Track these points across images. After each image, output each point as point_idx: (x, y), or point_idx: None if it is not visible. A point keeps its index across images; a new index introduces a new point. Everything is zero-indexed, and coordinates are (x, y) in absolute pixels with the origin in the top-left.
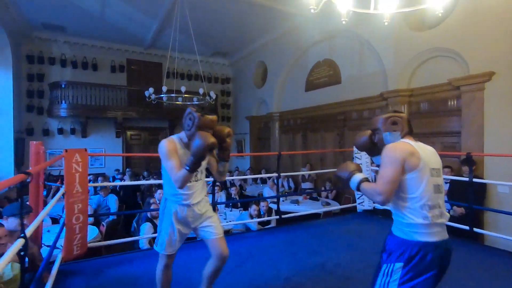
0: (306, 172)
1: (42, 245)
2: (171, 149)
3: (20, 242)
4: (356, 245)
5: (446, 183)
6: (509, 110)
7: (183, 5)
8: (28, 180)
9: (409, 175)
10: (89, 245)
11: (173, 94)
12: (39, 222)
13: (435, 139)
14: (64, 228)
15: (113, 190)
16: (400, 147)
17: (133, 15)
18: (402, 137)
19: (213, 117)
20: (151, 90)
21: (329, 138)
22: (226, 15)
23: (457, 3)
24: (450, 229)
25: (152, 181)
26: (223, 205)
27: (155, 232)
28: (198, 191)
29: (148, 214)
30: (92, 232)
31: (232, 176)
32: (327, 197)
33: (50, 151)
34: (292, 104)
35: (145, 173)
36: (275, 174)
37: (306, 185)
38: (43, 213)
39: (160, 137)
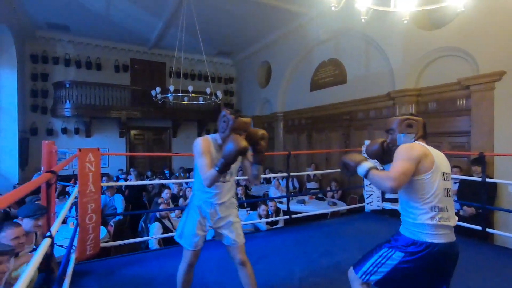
0: (314, 172)
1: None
2: (204, 147)
3: (47, 242)
4: (368, 245)
5: (455, 183)
6: None
7: (190, 5)
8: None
9: (422, 177)
10: (101, 245)
11: (179, 93)
12: (59, 223)
13: (443, 138)
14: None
15: (119, 189)
16: (416, 147)
17: (138, 14)
18: (416, 140)
19: (247, 119)
20: (158, 89)
21: (335, 138)
22: (230, 14)
23: (467, 2)
24: (461, 229)
25: (161, 181)
26: None
27: (164, 232)
28: (224, 192)
29: (157, 214)
30: (101, 232)
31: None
32: (332, 197)
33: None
34: (297, 104)
35: (149, 173)
36: (280, 174)
37: (311, 185)
38: (62, 213)
39: (164, 137)
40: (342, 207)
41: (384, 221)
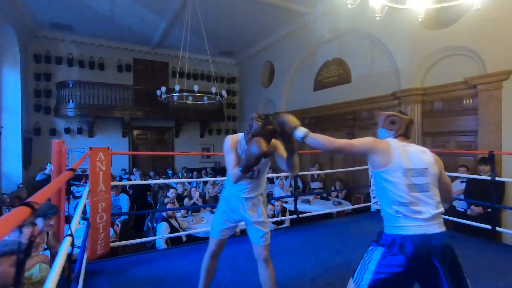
0: (320, 172)
1: None
2: (231, 145)
3: (69, 240)
4: None
5: (462, 182)
6: None
7: (195, 4)
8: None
9: (379, 172)
10: (111, 244)
11: (184, 93)
12: (77, 221)
13: (450, 137)
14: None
15: (123, 189)
16: (381, 142)
17: (142, 14)
18: (395, 137)
19: (272, 127)
20: (163, 89)
21: (339, 137)
22: (233, 14)
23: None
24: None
25: (169, 180)
26: None
27: (171, 231)
28: (252, 188)
29: (164, 214)
30: None
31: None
32: (337, 196)
33: None
34: (300, 104)
35: (152, 173)
36: (284, 174)
37: (315, 185)
38: (77, 214)
39: (166, 136)
40: (348, 206)
41: None
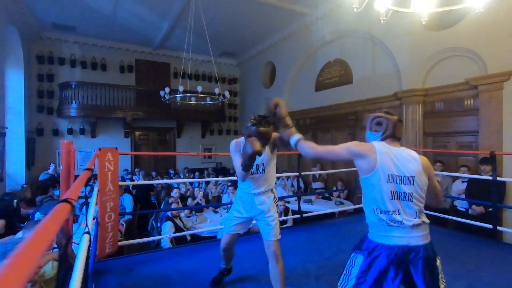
0: (321, 172)
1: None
2: (235, 148)
3: (87, 238)
4: None
5: (463, 182)
6: None
7: (198, 5)
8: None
9: (364, 178)
10: (119, 243)
11: (187, 94)
12: (91, 221)
13: (451, 138)
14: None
15: (127, 189)
16: (363, 145)
17: (144, 15)
18: (383, 139)
19: (265, 129)
20: (167, 89)
21: (340, 137)
22: (235, 15)
23: (482, 3)
24: (471, 228)
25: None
26: None
27: (176, 231)
28: (258, 183)
29: (169, 213)
30: None
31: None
32: (339, 196)
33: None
34: (301, 104)
35: (154, 173)
36: (286, 174)
37: (317, 185)
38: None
39: (168, 137)
40: (350, 206)
41: None
